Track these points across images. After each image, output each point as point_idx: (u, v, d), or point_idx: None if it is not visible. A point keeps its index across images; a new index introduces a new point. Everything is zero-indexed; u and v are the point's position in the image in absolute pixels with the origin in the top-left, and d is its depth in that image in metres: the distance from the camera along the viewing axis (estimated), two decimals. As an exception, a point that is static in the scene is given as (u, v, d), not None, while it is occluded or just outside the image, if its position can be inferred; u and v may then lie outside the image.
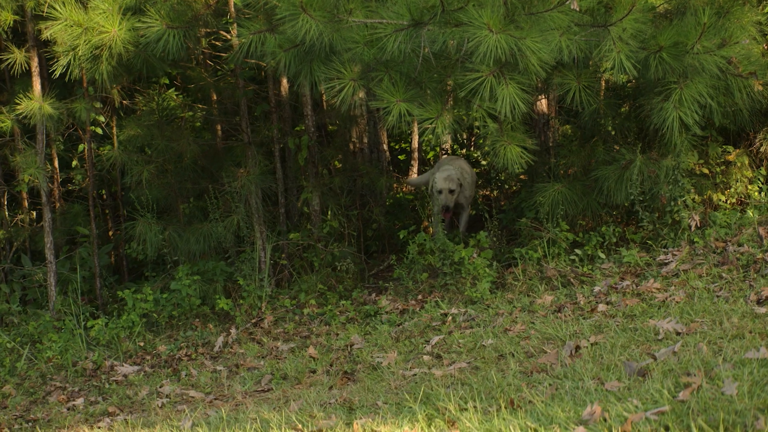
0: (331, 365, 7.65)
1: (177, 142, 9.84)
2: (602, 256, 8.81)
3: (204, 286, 9.86)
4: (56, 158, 12.37)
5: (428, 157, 14.61)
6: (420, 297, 9.09)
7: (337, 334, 8.58)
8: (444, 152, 13.59)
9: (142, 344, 9.25)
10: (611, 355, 6.02)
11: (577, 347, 6.36)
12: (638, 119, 9.06)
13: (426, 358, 7.21)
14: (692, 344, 5.85)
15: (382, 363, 7.25)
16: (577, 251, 8.96)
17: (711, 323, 6.39)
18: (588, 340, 6.51)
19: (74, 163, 12.11)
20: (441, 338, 7.63)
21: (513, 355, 6.71)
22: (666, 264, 8.27)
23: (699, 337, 6.02)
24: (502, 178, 12.68)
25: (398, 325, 8.45)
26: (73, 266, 11.36)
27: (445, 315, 8.36)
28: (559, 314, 7.62)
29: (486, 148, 10.76)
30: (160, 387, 7.89)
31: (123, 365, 8.82)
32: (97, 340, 9.48)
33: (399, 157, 14.65)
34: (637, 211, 8.84)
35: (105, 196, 12.74)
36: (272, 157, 11.08)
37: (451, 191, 9.93)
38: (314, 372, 7.57)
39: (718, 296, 7.15)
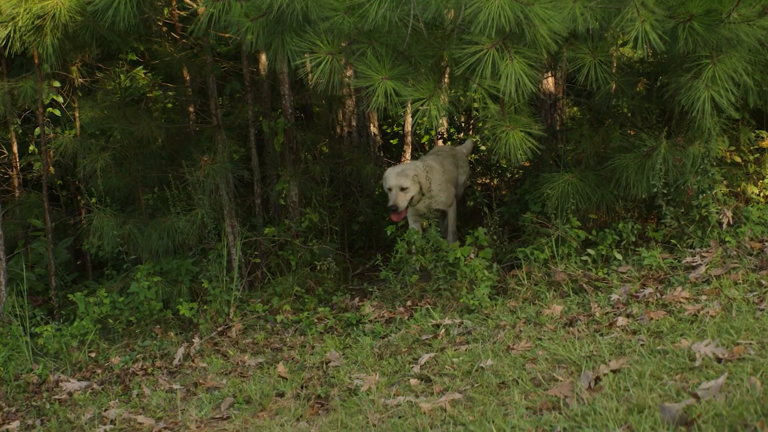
0: (302, 387, 6.53)
1: (138, 126, 8.66)
2: (618, 257, 7.66)
3: (167, 288, 8.73)
4: (15, 143, 11.23)
5: (423, 141, 13.45)
6: (409, 303, 7.96)
7: (313, 347, 7.47)
8: (440, 137, 12.41)
9: (93, 355, 8.13)
10: (640, 390, 4.89)
11: (597, 378, 5.21)
12: (661, 100, 7.90)
13: (413, 382, 6.08)
14: (741, 377, 4.73)
15: (361, 387, 6.12)
16: (590, 251, 7.83)
17: (758, 347, 5.26)
18: (608, 365, 5.37)
19: (31, 148, 10.94)
20: (432, 356, 6.51)
21: (517, 383, 5.58)
22: (694, 268, 7.14)
23: (748, 367, 4.88)
24: (503, 165, 11.54)
25: (383, 338, 7.34)
26: (30, 263, 10.25)
27: (437, 326, 7.24)
28: (571, 329, 6.50)
29: (485, 132, 9.62)
30: (106, 410, 6.77)
31: (70, 380, 7.69)
32: (46, 349, 8.35)
33: (391, 141, 13.47)
34: (659, 205, 7.65)
35: (65, 186, 11.57)
36: (248, 142, 9.94)
37: (403, 189, 8.40)
38: (282, 395, 6.45)
39: (761, 310, 6.01)
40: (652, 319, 6.20)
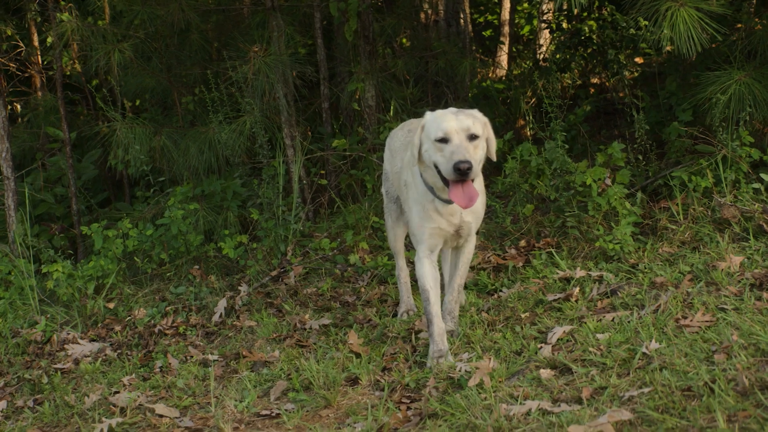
0: (384, 370, 4.63)
1: (166, 6, 6.65)
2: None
3: (209, 217, 6.86)
4: (35, 33, 9.35)
5: (522, 33, 11.26)
6: (523, 244, 5.98)
7: (397, 303, 5.57)
8: (545, 25, 10.19)
9: (112, 305, 6.33)
10: None
11: None
12: None
13: (545, 374, 4.13)
14: None
15: (468, 380, 4.19)
16: (764, 176, 5.75)
17: None
18: None
19: (49, 40, 9.04)
20: (566, 331, 4.53)
21: (711, 390, 3.58)
22: None
23: None
24: (621, 59, 9.36)
25: (491, 294, 5.40)
26: (48, 181, 8.46)
27: (567, 281, 5.26)
28: (764, 293, 4.47)
29: (626, 22, 7.46)
30: (115, 394, 4.97)
31: (79, 341, 5.91)
32: (58, 294, 6.60)
33: (484, 33, 11.27)
34: None
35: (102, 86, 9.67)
36: (312, 30, 7.90)
37: (473, 137, 4.33)
38: (355, 382, 4.56)
39: None
40: None
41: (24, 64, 9.57)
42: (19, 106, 10.13)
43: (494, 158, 4.53)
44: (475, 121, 4.36)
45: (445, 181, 4.29)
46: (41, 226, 7.97)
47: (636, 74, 9.58)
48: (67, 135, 7.71)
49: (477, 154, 4.30)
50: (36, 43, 9.33)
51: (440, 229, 4.60)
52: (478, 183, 4.63)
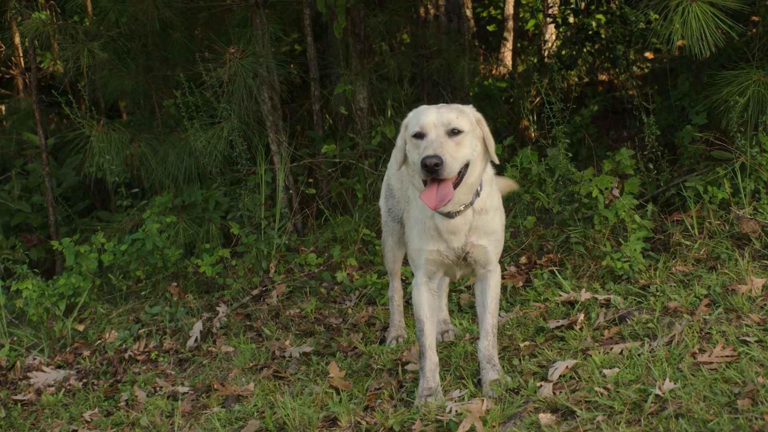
0: (366, 409, 4.17)
1: (139, 5, 6.17)
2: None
3: (190, 230, 6.41)
4: (17, 33, 8.92)
5: (527, 27, 10.76)
6: (524, 261, 5.51)
7: (385, 327, 5.12)
8: (550, 19, 9.69)
9: (81, 328, 5.88)
10: None
11: None
12: None
13: (545, 418, 3.66)
14: None
15: (458, 424, 3.72)
16: (785, 186, 5.30)
17: None
18: None
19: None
20: (569, 366, 4.06)
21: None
22: None
23: None
24: (630, 55, 8.86)
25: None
26: (25, 189, 8.03)
27: (570, 304, 4.79)
28: (796, 325, 4.01)
29: (635, 16, 6.95)
30: (74, 432, 4.54)
31: (44, 368, 5.47)
32: (24, 314, 6.17)
33: (488, 27, 10.79)
34: None
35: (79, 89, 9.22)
36: (302, 28, 7.43)
37: (455, 132, 3.79)
38: (335, 423, 4.10)
39: None
40: None
41: (6, 65, 9.14)
42: (3, 109, 9.70)
43: (495, 160, 3.97)
44: (461, 115, 3.81)
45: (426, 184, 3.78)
46: (18, 238, 7.54)
47: (646, 71, 9.09)
48: (44, 141, 7.27)
49: (458, 152, 3.73)
50: (18, 43, 8.90)
51: (439, 253, 4.05)
52: (494, 198, 4.10)
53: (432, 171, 3.61)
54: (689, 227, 5.28)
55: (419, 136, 3.76)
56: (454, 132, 3.75)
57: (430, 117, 3.76)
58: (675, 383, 3.67)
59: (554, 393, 3.87)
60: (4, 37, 8.98)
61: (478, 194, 3.90)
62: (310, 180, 6.86)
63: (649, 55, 9.88)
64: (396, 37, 8.29)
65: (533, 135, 8.04)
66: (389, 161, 4.77)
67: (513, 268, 5.43)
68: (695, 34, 4.83)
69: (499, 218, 4.10)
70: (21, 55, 8.99)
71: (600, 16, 8.88)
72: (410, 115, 3.95)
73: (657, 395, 3.60)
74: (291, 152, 6.64)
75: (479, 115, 3.97)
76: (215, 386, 4.67)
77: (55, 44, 8.21)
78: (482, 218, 3.97)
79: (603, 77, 9.77)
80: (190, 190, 6.58)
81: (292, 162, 6.63)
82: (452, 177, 3.70)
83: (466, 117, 3.84)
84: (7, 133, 8.25)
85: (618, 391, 3.71)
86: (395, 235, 4.72)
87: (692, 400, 3.49)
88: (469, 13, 9.08)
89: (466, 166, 3.78)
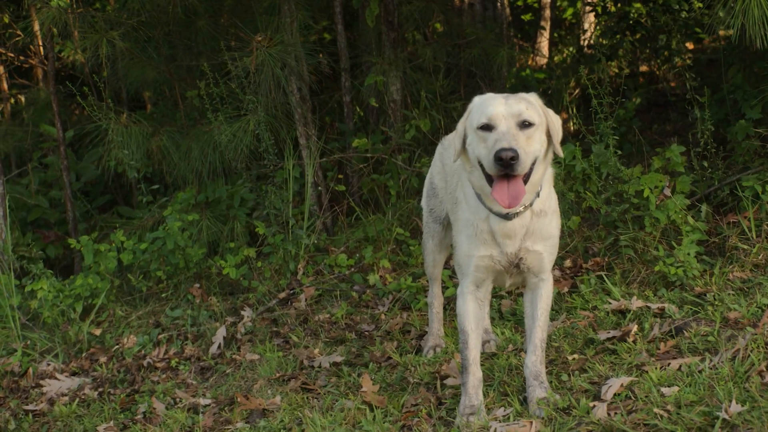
0: (402, 429, 3.83)
1: (161, -10, 5.86)
2: None
3: (213, 228, 6.09)
4: (36, 20, 8.59)
5: (565, 16, 10.36)
6: (569, 264, 5.15)
7: (421, 335, 4.77)
8: (591, 8, 9.29)
9: (99, 332, 5.58)
10: None
11: None
12: None
13: (600, 445, 3.31)
14: None
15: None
16: None
17: None
18: None
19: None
20: (624, 383, 3.69)
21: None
22: None
23: None
24: (673, 45, 8.50)
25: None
26: (43, 183, 7.74)
27: (622, 314, 4.42)
28: None
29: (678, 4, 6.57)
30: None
31: (58, 375, 5.17)
32: (39, 316, 5.89)
33: (523, 17, 10.40)
34: None
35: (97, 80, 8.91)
36: (332, 16, 7.09)
37: (526, 125, 3.43)
38: (368, 445, 3.77)
39: None
40: None
41: (26, 54, 8.83)
42: (23, 99, 9.42)
43: (560, 153, 3.59)
44: (530, 106, 3.45)
45: (491, 181, 3.42)
46: (35, 234, 7.25)
47: (688, 62, 8.68)
48: (62, 133, 6.97)
49: (530, 146, 3.39)
50: (37, 30, 8.59)
51: (491, 259, 3.66)
52: (553, 200, 3.72)
53: (507, 165, 3.26)
54: (746, 230, 4.89)
55: (487, 128, 3.39)
56: (525, 124, 3.39)
57: (499, 108, 3.39)
58: (743, 405, 3.30)
59: (609, 414, 3.51)
60: (24, 26, 8.68)
61: (537, 194, 3.55)
62: (341, 176, 6.52)
63: (689, 45, 9.47)
64: (429, 26, 7.94)
65: (572, 128, 7.66)
66: (433, 159, 4.41)
67: (557, 272, 5.07)
68: (757, 23, 4.45)
69: (556, 222, 3.73)
70: (40, 43, 8.69)
71: (638, 5, 8.49)
72: (474, 102, 3.57)
73: (725, 420, 3.24)
74: (320, 146, 6.30)
75: (545, 107, 3.61)
76: (239, 399, 4.34)
77: (75, 33, 7.92)
78: (540, 221, 3.60)
79: (644, 68, 9.38)
80: (214, 186, 6.26)
81: (321, 157, 6.30)
82: (524, 173, 3.36)
83: (535, 109, 3.47)
84: (24, 125, 7.96)
85: (680, 414, 3.35)
86: (436, 237, 4.37)
87: (765, 426, 3.13)
88: (505, 1, 8.71)
89: (533, 162, 3.44)
